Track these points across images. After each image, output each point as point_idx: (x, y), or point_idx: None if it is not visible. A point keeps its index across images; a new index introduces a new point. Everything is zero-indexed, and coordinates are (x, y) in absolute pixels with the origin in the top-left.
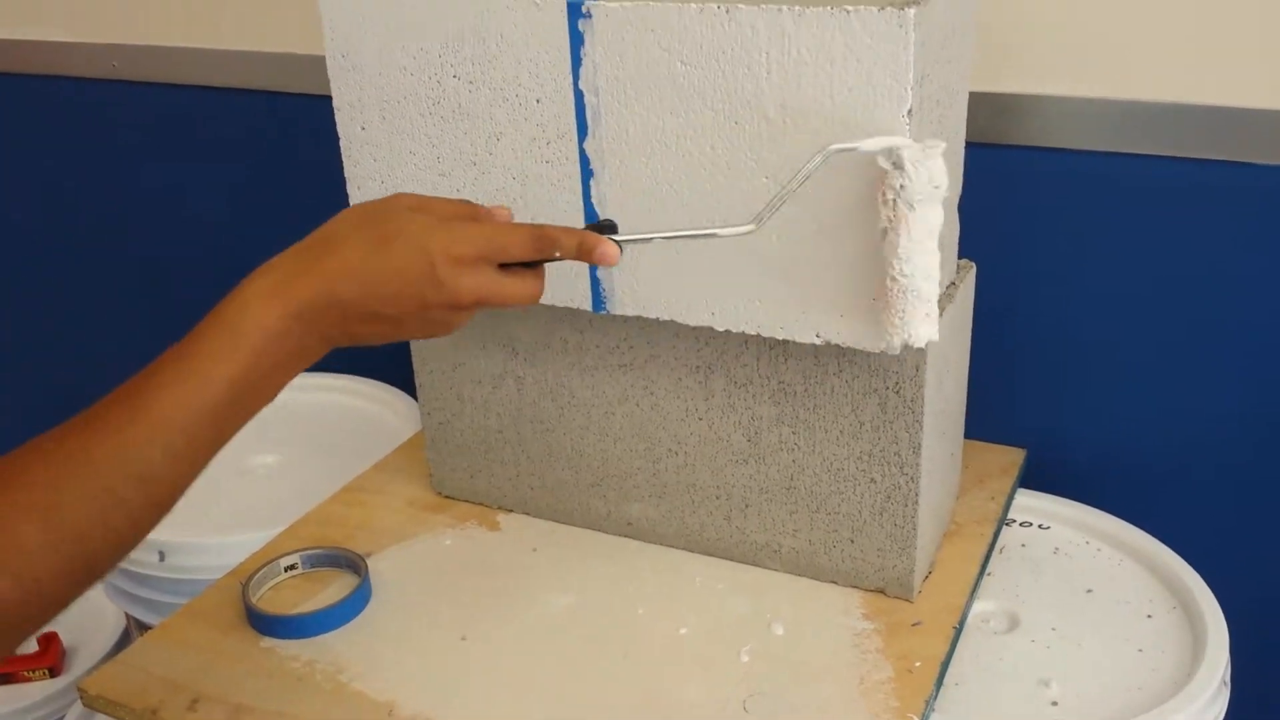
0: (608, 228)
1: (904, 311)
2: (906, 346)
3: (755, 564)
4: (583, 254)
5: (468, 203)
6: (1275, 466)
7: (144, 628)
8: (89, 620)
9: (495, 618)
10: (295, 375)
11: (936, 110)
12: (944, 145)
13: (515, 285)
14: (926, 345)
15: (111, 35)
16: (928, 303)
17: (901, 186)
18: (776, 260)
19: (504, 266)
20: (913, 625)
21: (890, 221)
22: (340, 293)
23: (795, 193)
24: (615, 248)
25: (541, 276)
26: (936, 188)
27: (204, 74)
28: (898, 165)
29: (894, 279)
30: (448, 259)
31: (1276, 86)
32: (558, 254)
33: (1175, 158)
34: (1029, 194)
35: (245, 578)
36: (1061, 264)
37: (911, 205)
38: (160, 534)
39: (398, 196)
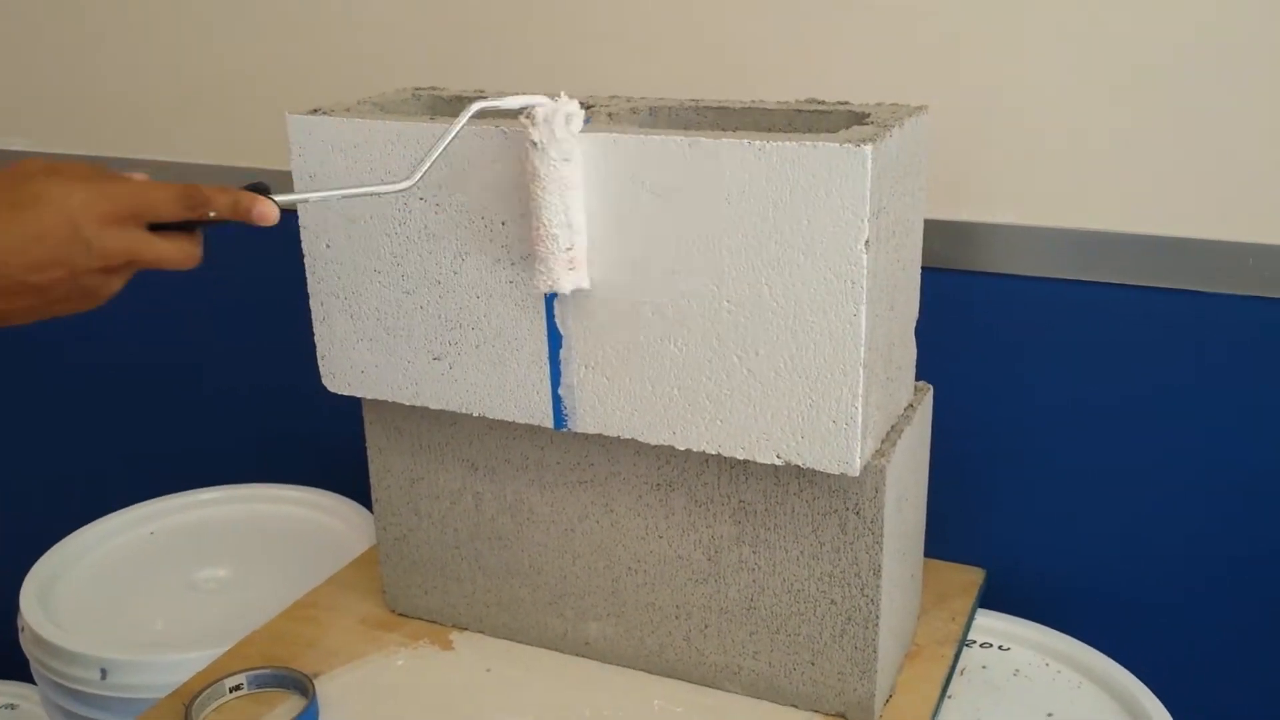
0: (263, 189)
1: (548, 259)
2: (564, 294)
3: (715, 686)
4: (239, 213)
5: (103, 166)
6: (1234, 590)
7: None
8: None
9: None
10: None
11: (893, 240)
12: (578, 106)
13: (168, 246)
14: (883, 466)
15: (78, 146)
16: (567, 251)
17: (536, 140)
18: (738, 381)
19: (156, 229)
20: None
21: (530, 174)
22: None
23: (447, 149)
24: (274, 207)
25: (198, 241)
26: (568, 141)
27: None
28: (533, 120)
29: (536, 229)
30: (93, 218)
31: (1217, 217)
32: (212, 213)
33: (1122, 285)
34: (984, 318)
35: (189, 698)
36: (1017, 386)
37: (547, 156)
38: (103, 650)
39: (25, 161)
